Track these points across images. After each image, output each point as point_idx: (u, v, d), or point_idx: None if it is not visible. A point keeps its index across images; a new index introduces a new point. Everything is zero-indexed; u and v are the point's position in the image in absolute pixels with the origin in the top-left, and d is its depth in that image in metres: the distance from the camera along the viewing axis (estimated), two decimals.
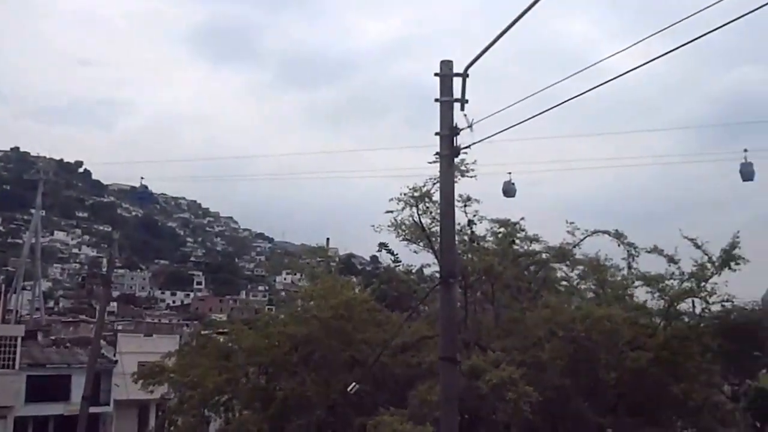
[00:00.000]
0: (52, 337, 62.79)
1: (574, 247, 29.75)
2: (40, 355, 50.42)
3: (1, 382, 44.24)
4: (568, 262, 30.68)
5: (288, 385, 27.50)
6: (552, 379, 24.74)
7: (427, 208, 25.66)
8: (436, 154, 12.77)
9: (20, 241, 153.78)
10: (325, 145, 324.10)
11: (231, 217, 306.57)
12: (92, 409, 34.46)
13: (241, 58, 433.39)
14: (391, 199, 26.41)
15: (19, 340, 47.57)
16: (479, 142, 12.55)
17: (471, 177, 24.45)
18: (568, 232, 29.52)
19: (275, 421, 27.40)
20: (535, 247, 30.30)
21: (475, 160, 23.65)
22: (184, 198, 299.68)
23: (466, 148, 12.75)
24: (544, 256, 30.52)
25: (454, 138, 12.54)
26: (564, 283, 32.08)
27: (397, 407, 22.87)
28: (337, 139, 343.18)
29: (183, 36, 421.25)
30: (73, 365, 48.58)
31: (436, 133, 12.64)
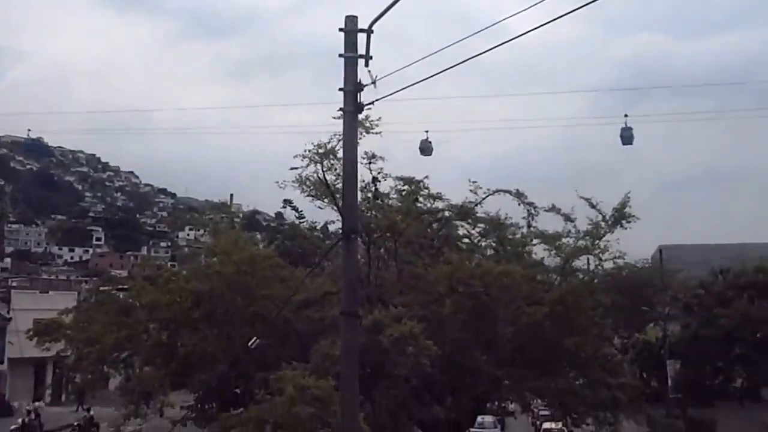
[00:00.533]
0: None
1: (476, 205, 30.51)
2: None
3: None
4: (469, 220, 31.45)
5: (190, 341, 27.29)
6: (451, 333, 25.51)
7: (332, 164, 25.70)
8: (340, 109, 12.79)
9: None
10: (230, 100, 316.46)
11: (132, 172, 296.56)
12: None
13: (146, 8, 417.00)
14: (296, 156, 26.33)
15: None
16: (383, 98, 12.67)
17: (376, 134, 24.63)
18: (470, 191, 30.22)
19: (177, 377, 27.23)
20: (438, 205, 30.92)
21: (380, 117, 23.79)
22: (82, 152, 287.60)
23: (369, 104, 12.85)
24: (446, 213, 31.18)
25: (358, 94, 12.58)
26: (465, 240, 32.91)
27: (300, 362, 23.12)
28: (243, 94, 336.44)
29: None
30: None
31: (340, 89, 12.65)
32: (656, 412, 38.66)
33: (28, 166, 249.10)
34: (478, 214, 30.87)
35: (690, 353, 46.42)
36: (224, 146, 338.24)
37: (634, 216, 29.69)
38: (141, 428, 24.76)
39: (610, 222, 29.53)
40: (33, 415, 42.17)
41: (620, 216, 29.49)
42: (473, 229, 32.29)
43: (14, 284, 66.94)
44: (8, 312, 48.38)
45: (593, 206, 29.77)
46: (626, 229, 29.93)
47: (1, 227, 39.70)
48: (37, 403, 48.72)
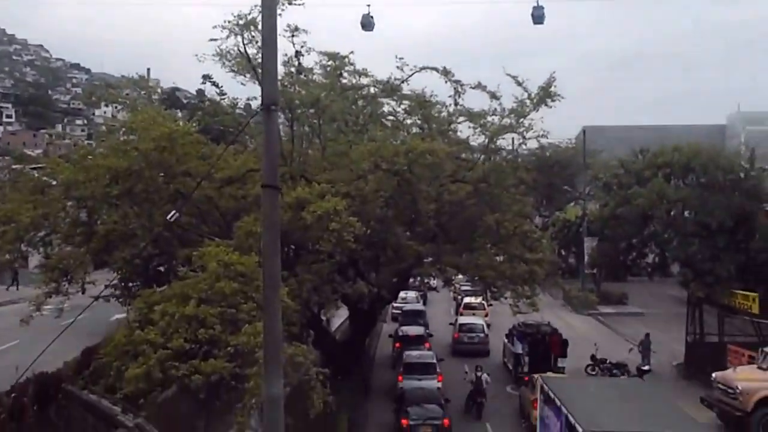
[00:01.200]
0: None
1: (402, 82, 30.30)
2: None
3: None
4: (395, 97, 31.30)
5: (109, 219, 27.05)
6: (375, 210, 25.93)
7: (253, 37, 25.01)
8: None
9: None
10: None
11: (41, 45, 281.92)
12: None
13: None
14: (215, 26, 25.50)
15: None
16: None
17: (299, 5, 23.99)
18: (397, 67, 29.93)
19: (98, 255, 27.09)
20: (364, 81, 30.60)
21: None
22: None
23: None
24: (372, 90, 30.95)
25: None
26: (390, 117, 32.87)
27: (222, 240, 23.25)
28: None
29: None
30: None
31: None
32: (572, 286, 40.65)
33: None
34: (403, 92, 30.72)
35: (607, 231, 48.45)
36: (141, 18, 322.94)
37: (559, 95, 30.03)
38: (63, 306, 24.67)
39: (535, 100, 29.78)
40: None
41: (545, 94, 29.73)
42: (399, 106, 32.16)
43: None
44: None
45: (519, 84, 29.91)
46: (551, 107, 30.32)
47: None
48: None
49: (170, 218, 14.65)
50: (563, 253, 67.84)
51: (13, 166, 33.69)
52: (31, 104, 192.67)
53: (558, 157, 48.04)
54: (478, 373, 29.43)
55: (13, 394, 20.14)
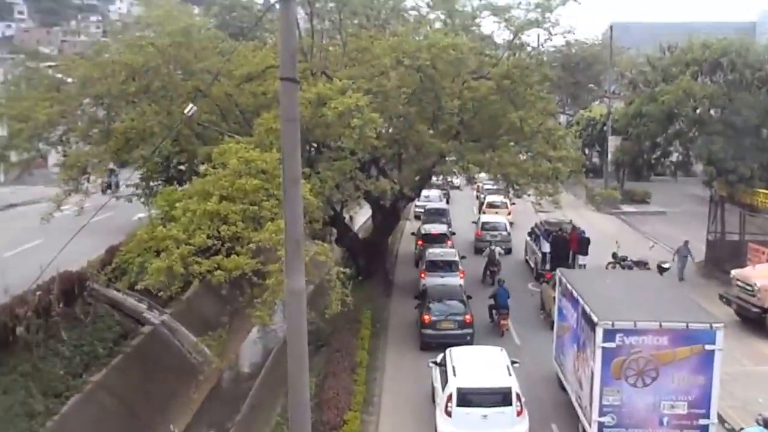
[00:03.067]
0: None
1: None
2: None
3: None
4: None
5: (127, 116, 26.84)
6: (397, 107, 25.45)
7: None
8: None
9: None
10: None
11: None
12: None
13: None
14: None
15: None
16: None
17: None
18: None
19: (117, 154, 27.06)
20: None
21: None
22: None
23: None
24: None
25: None
26: (413, 12, 31.90)
27: (242, 136, 23.04)
28: None
29: None
30: None
31: None
32: (595, 184, 40.36)
33: None
34: None
35: (631, 129, 47.70)
36: None
37: None
38: (83, 204, 24.80)
39: None
40: None
41: None
42: (421, 0, 31.20)
43: None
44: None
45: None
46: (578, 2, 29.24)
47: None
48: None
49: (188, 112, 14.43)
50: (587, 151, 67.16)
51: (27, 64, 33.26)
52: (44, 0, 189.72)
53: (584, 54, 46.80)
54: (492, 248, 34.52)
55: (38, 292, 20.49)
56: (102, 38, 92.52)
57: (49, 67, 32.30)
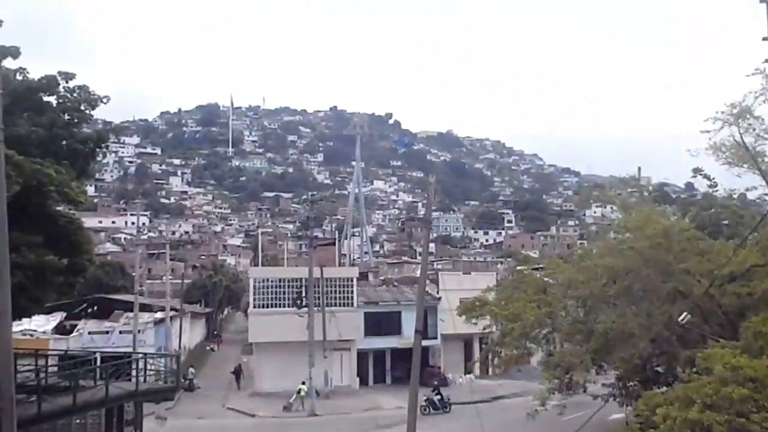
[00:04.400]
0: (381, 278, 69.18)
1: None
2: (373, 294, 55.98)
3: (343, 318, 49.65)
4: None
5: (607, 318, 27.41)
6: None
7: (749, 125, 23.63)
8: (766, 61, 11.74)
9: (345, 192, 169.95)
10: None
11: (536, 154, 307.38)
12: (422, 342, 37.31)
13: None
14: (707, 119, 24.75)
15: (355, 280, 53.03)
16: None
17: None
18: None
19: (597, 354, 27.55)
20: None
21: None
22: (488, 139, 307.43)
23: None
24: None
25: None
26: None
27: (727, 340, 21.77)
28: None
29: None
30: (402, 302, 53.26)
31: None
32: None
33: (441, 158, 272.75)
34: None
35: None
36: (624, 116, 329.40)
37: None
38: (564, 402, 25.56)
39: None
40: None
41: None
42: None
43: (439, 267, 74.00)
44: (437, 292, 53.46)
45: None
46: None
47: (428, 215, 43.35)
48: (468, 376, 53.21)
49: (682, 320, 14.31)
50: None
51: (518, 267, 36.52)
52: (528, 209, 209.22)
53: None
54: None
55: None
56: (579, 241, 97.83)
57: (535, 269, 35.04)
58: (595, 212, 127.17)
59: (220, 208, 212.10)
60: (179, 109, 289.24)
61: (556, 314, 28.10)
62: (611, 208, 37.54)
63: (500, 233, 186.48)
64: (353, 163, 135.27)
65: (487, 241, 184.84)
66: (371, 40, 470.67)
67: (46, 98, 24.56)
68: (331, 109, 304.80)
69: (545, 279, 31.25)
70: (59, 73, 24.54)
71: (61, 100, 24.72)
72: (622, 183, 35.40)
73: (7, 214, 13.92)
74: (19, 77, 23.84)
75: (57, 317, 50.77)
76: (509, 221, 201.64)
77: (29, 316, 29.04)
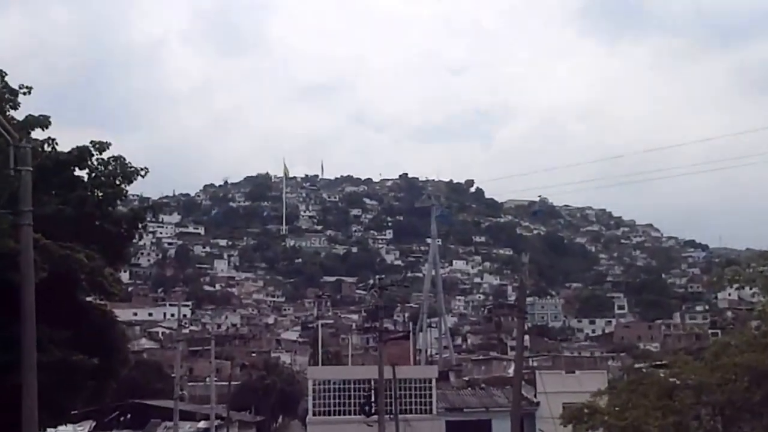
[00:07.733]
0: (465, 378, 68.11)
1: None
2: (456, 399, 54.93)
3: (420, 427, 48.78)
4: None
5: (751, 429, 26.33)
6: None
7: None
8: None
9: (420, 275, 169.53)
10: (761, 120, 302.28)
11: (650, 225, 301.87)
12: None
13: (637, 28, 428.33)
14: None
15: (434, 382, 52.30)
16: None
17: None
18: None
19: None
20: None
21: None
22: (590, 208, 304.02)
23: None
24: None
25: None
26: None
27: None
28: None
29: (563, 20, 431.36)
30: (492, 408, 52.03)
31: None
32: None
33: (534, 231, 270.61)
34: None
35: None
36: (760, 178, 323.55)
37: None
38: None
39: None
40: None
41: None
42: None
43: (535, 364, 72.52)
44: (535, 395, 52.19)
45: None
46: None
47: (522, 302, 42.44)
48: None
49: None
50: None
51: (635, 366, 35.55)
52: (644, 291, 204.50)
53: None
54: None
55: None
56: (710, 331, 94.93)
57: (657, 367, 33.99)
58: (729, 294, 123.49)
59: (273, 296, 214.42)
60: (225, 181, 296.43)
61: (687, 425, 27.05)
62: (751, 289, 36.33)
63: (610, 322, 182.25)
64: (428, 240, 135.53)
65: (593, 331, 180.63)
66: (448, 94, 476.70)
67: (77, 172, 25.47)
68: (400, 177, 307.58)
69: (670, 380, 30.22)
70: (92, 142, 25.51)
71: (93, 174, 25.60)
72: (764, 258, 34.34)
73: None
74: (47, 148, 24.85)
75: (85, 427, 51.43)
76: (621, 307, 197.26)
77: (54, 426, 29.44)
